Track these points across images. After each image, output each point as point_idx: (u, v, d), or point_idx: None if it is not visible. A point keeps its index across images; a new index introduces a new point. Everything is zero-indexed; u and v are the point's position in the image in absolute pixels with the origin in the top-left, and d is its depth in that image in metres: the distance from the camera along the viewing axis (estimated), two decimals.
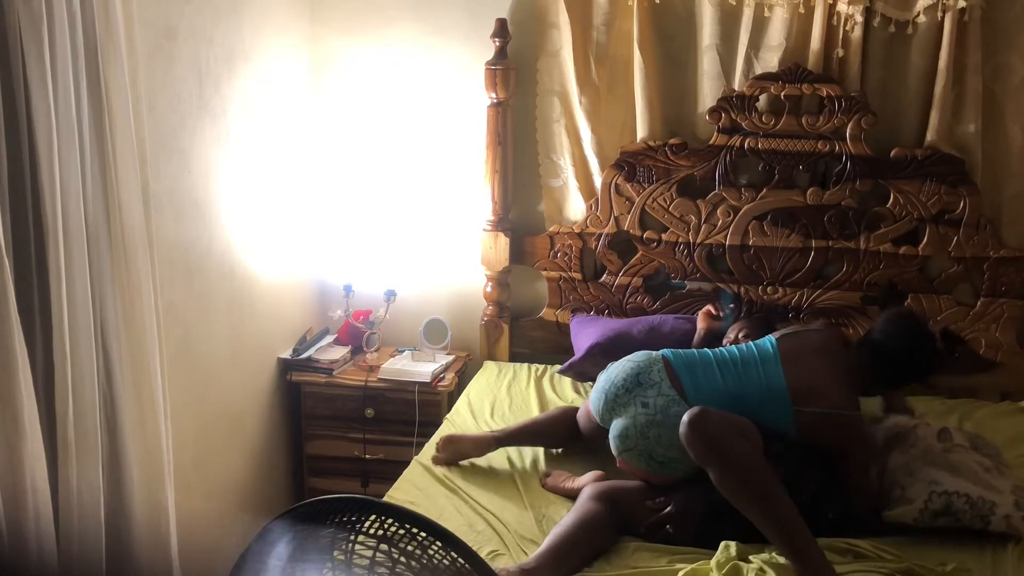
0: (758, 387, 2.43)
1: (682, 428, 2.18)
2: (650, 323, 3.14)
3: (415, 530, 1.40)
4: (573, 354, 3.18)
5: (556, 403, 3.04)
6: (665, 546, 2.21)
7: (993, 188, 3.10)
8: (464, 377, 3.40)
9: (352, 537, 1.43)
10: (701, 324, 2.98)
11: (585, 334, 3.18)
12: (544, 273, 3.40)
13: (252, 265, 3.08)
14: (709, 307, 3.01)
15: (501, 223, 3.36)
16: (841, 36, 3.03)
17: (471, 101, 3.33)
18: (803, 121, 3.10)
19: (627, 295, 3.33)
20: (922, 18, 2.98)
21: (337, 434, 3.36)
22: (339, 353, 3.39)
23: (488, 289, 3.42)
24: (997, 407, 3.06)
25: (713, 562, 2.07)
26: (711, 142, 3.18)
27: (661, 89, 3.22)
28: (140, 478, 2.25)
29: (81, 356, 2.05)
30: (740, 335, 2.79)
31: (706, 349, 2.63)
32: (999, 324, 3.13)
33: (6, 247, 1.83)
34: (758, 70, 3.13)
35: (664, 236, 3.26)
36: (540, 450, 2.74)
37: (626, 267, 3.32)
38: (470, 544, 1.43)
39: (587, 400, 2.63)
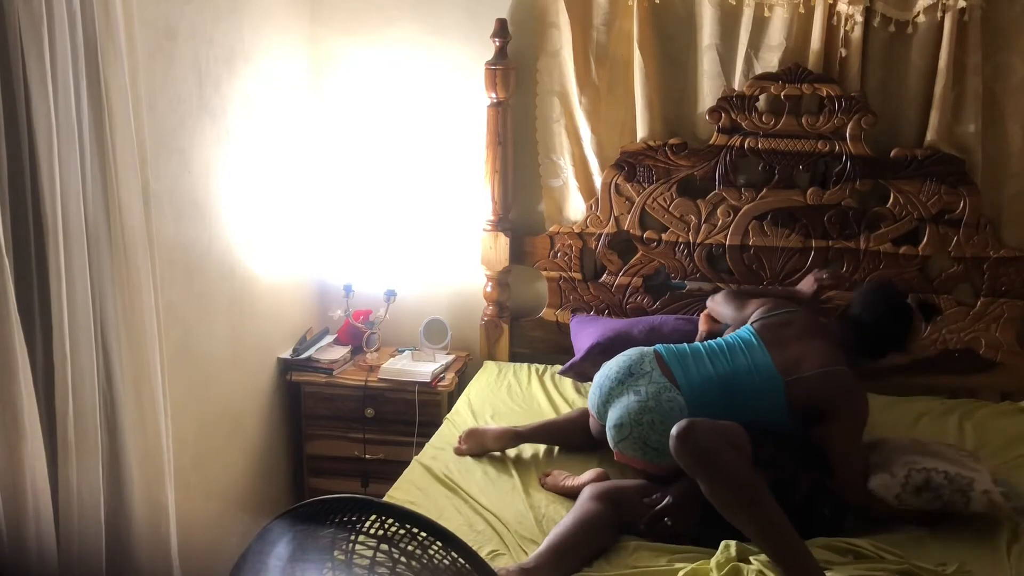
0: (747, 369, 2.50)
1: (671, 441, 2.20)
2: (650, 323, 3.14)
3: (415, 530, 1.40)
4: (573, 354, 3.18)
5: (557, 403, 3.05)
6: (665, 545, 2.21)
7: (993, 188, 3.10)
8: (464, 377, 3.40)
9: (352, 537, 1.43)
10: (703, 327, 2.98)
11: (585, 334, 3.18)
12: (544, 273, 3.40)
13: (252, 265, 3.08)
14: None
15: (501, 223, 3.36)
16: (841, 36, 3.03)
17: (471, 101, 3.33)
18: (803, 121, 3.10)
19: (627, 295, 3.33)
20: (922, 18, 2.98)
21: (337, 434, 3.36)
22: (339, 353, 3.39)
23: (488, 289, 3.42)
24: (997, 407, 3.06)
25: (713, 562, 2.07)
26: (711, 142, 3.18)
27: (661, 89, 3.22)
28: (140, 478, 2.25)
29: (81, 356, 2.05)
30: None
31: (696, 343, 2.69)
32: (999, 324, 3.13)
33: (6, 247, 1.83)
34: (758, 70, 3.13)
35: (664, 236, 3.26)
36: (540, 449, 2.74)
37: (626, 267, 3.32)
38: (470, 544, 1.43)
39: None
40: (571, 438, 2.74)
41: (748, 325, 2.67)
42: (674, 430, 2.20)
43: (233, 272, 2.98)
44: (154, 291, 2.26)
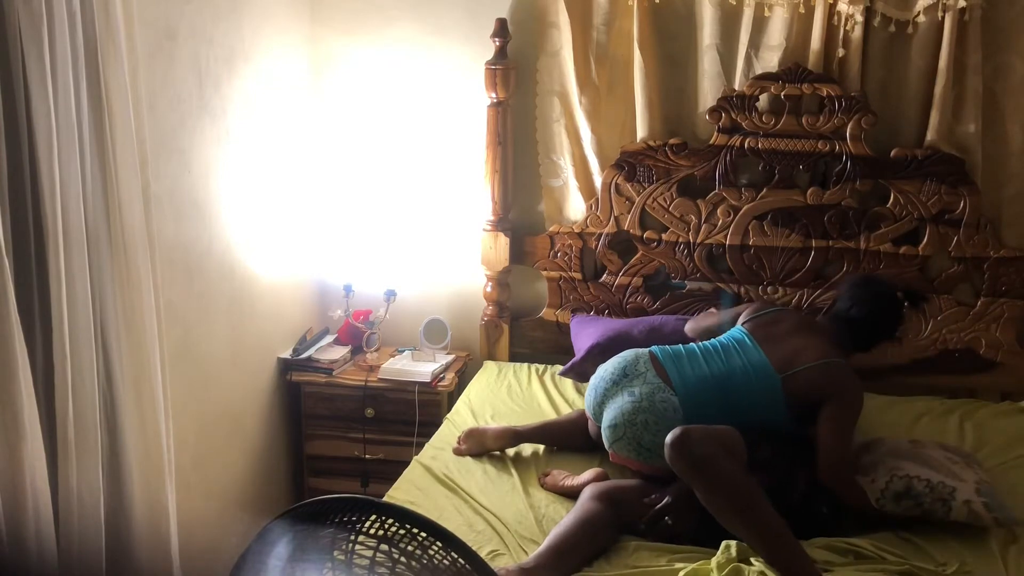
0: (743, 369, 2.51)
1: (666, 449, 2.20)
2: (650, 323, 3.14)
3: (415, 530, 1.40)
4: (573, 354, 3.18)
5: (557, 402, 3.05)
6: (665, 545, 2.21)
7: (993, 188, 3.10)
8: (464, 377, 3.40)
9: (352, 537, 1.43)
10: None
11: (585, 334, 3.18)
12: (544, 273, 3.40)
13: (252, 265, 3.08)
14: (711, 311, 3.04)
15: (501, 223, 3.35)
16: (841, 36, 3.03)
17: (471, 101, 3.33)
18: (803, 121, 3.10)
19: (627, 295, 3.33)
20: (922, 18, 2.98)
21: (337, 434, 3.36)
22: (339, 353, 3.39)
23: (488, 289, 3.42)
24: (997, 407, 3.06)
25: (713, 562, 2.07)
26: (711, 142, 3.18)
27: (661, 89, 3.22)
28: (140, 478, 2.25)
29: (81, 356, 2.05)
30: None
31: (692, 344, 2.68)
32: (999, 324, 3.13)
33: (6, 247, 1.83)
34: (758, 70, 3.13)
35: (664, 236, 3.26)
36: (540, 449, 2.74)
37: (626, 267, 3.32)
38: (470, 544, 1.43)
39: None
40: (571, 438, 2.74)
41: (739, 326, 2.68)
42: (668, 438, 2.20)
43: (233, 272, 2.97)
44: (154, 291, 2.26)
